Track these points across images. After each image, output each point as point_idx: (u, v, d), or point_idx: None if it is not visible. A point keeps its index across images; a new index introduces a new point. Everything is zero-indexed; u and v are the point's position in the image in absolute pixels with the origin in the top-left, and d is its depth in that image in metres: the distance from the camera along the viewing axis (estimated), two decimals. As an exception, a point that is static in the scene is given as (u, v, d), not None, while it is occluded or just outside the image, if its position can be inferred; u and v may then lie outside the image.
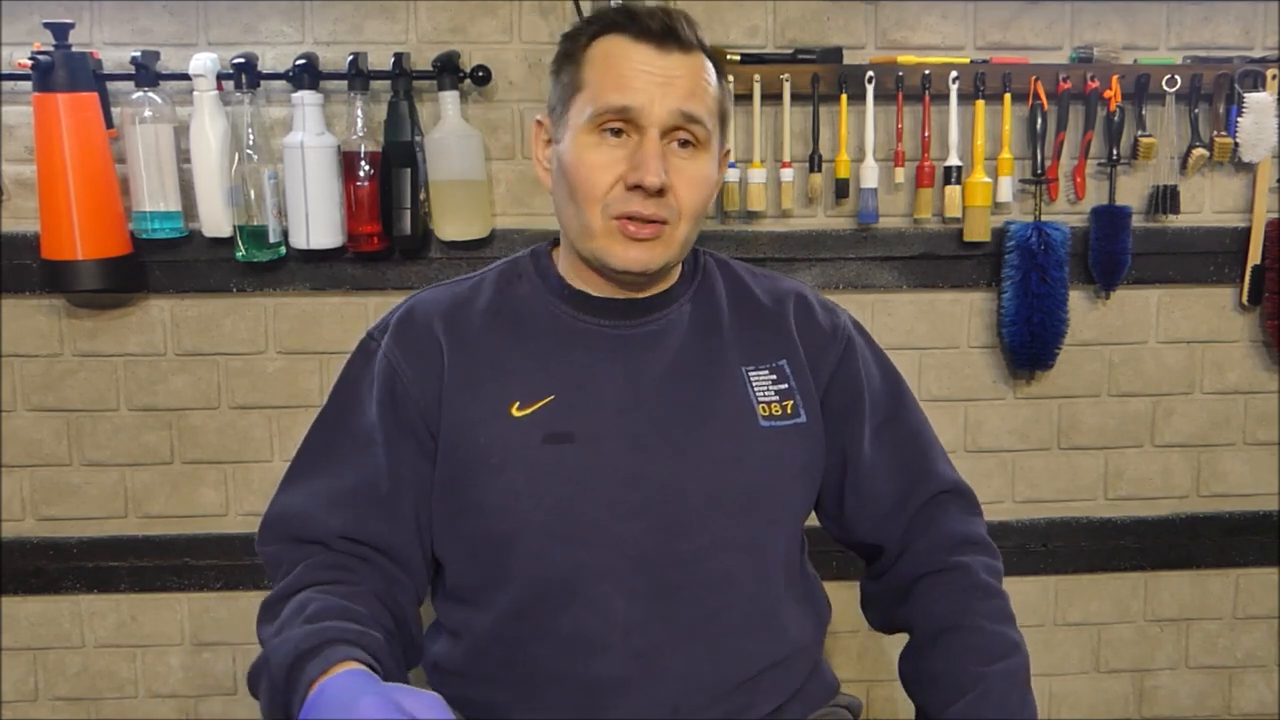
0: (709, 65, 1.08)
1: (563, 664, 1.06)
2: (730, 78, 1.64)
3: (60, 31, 1.54)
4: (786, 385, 1.12)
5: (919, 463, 1.18)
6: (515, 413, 1.08)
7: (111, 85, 1.63)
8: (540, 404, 1.08)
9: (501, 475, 1.07)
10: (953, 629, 1.08)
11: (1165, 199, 1.74)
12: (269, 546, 1.10)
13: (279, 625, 0.99)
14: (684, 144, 1.05)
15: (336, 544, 1.07)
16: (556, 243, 1.19)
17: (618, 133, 1.04)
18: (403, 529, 1.09)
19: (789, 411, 1.11)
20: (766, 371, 1.13)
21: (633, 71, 1.03)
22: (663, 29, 1.04)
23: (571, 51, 1.08)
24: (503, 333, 1.12)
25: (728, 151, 1.16)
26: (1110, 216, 1.72)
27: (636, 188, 1.03)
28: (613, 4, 1.54)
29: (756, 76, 1.65)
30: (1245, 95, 1.69)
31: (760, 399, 1.11)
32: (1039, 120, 1.69)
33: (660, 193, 1.03)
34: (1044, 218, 1.72)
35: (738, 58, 1.66)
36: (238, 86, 1.59)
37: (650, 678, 1.05)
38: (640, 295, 1.13)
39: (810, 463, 1.14)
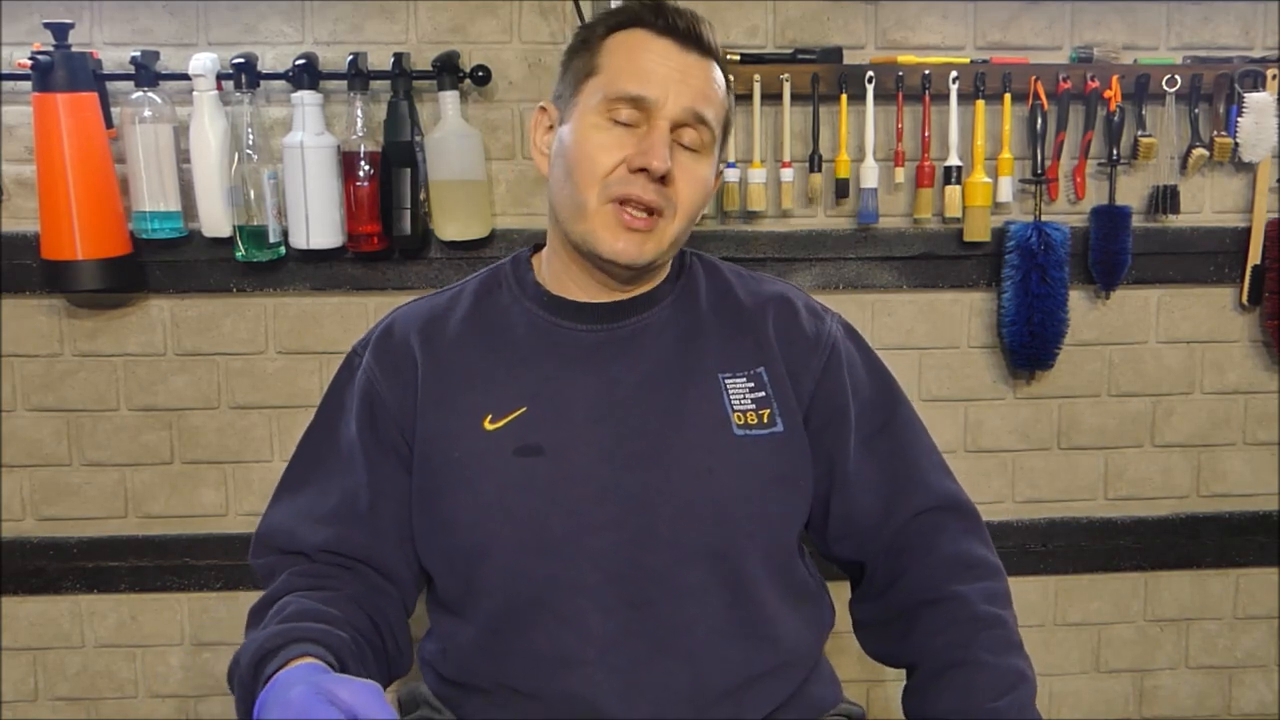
0: (721, 76, 1.09)
1: (540, 679, 1.05)
2: (730, 77, 1.64)
3: (60, 31, 1.54)
4: (764, 394, 1.10)
5: (908, 475, 1.14)
6: (488, 426, 1.07)
7: (111, 85, 1.63)
8: (512, 416, 1.07)
9: (473, 489, 1.06)
10: (957, 665, 1.03)
11: (1165, 199, 1.74)
12: (260, 559, 1.12)
13: (260, 628, 1.00)
14: (687, 146, 1.06)
15: (319, 556, 1.09)
16: (537, 249, 1.19)
17: (627, 123, 1.05)
18: (384, 542, 1.10)
19: (765, 421, 1.09)
20: (744, 379, 1.10)
21: (652, 63, 1.04)
22: (688, 29, 1.06)
23: (588, 39, 1.09)
24: (478, 344, 1.12)
25: (723, 163, 1.16)
26: (1110, 216, 1.72)
27: (641, 171, 1.03)
28: (612, 4, 1.54)
29: (756, 76, 1.65)
30: (1245, 95, 1.68)
31: (736, 407, 1.09)
32: (1039, 120, 1.69)
33: (664, 181, 1.04)
34: (1044, 218, 1.72)
35: (738, 58, 1.66)
36: (237, 86, 1.59)
37: (630, 692, 1.03)
38: (623, 296, 1.12)
39: (789, 472, 1.10)
